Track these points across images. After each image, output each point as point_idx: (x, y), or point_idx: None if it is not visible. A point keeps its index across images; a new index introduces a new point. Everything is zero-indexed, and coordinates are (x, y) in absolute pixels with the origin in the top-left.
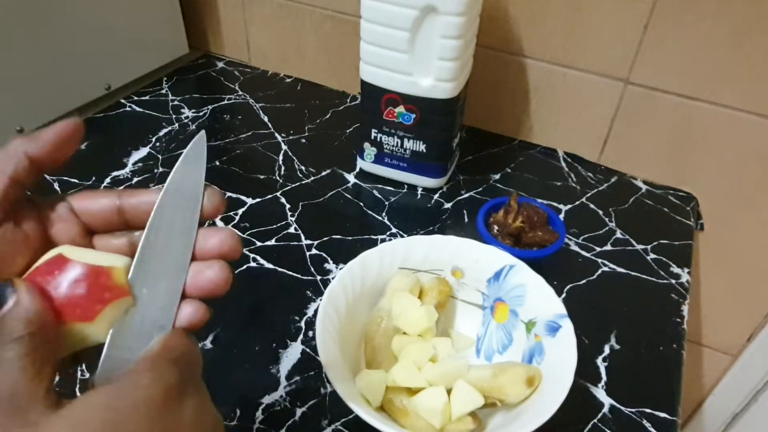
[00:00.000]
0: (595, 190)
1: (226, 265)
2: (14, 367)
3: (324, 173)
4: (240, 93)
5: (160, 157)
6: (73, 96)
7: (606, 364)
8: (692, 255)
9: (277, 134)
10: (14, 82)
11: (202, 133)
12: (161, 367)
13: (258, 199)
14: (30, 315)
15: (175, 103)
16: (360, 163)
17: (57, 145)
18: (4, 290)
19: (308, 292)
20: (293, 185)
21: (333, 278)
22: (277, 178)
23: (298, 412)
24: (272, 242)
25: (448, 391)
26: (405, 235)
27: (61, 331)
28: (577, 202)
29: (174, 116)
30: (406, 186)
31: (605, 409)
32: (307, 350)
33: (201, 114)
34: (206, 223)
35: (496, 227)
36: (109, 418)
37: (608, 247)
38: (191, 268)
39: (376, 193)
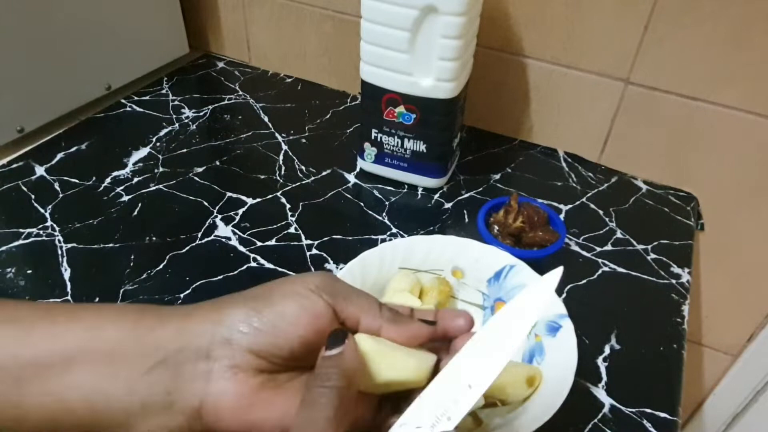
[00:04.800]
0: (596, 190)
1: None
2: (326, 409)
3: (324, 173)
4: (240, 93)
5: (160, 157)
6: (73, 96)
7: (606, 364)
8: (692, 255)
9: (277, 134)
10: (14, 82)
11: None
12: None
13: (258, 199)
14: (348, 369)
15: (176, 103)
16: (360, 163)
17: None
18: (343, 337)
19: None
20: (293, 185)
21: None
22: (278, 178)
23: None
24: (273, 242)
25: None
26: (405, 235)
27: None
28: (578, 202)
29: (174, 116)
30: (406, 186)
31: (605, 409)
32: None
33: (201, 114)
34: None
35: (496, 227)
36: None
37: (608, 247)
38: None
39: (376, 193)
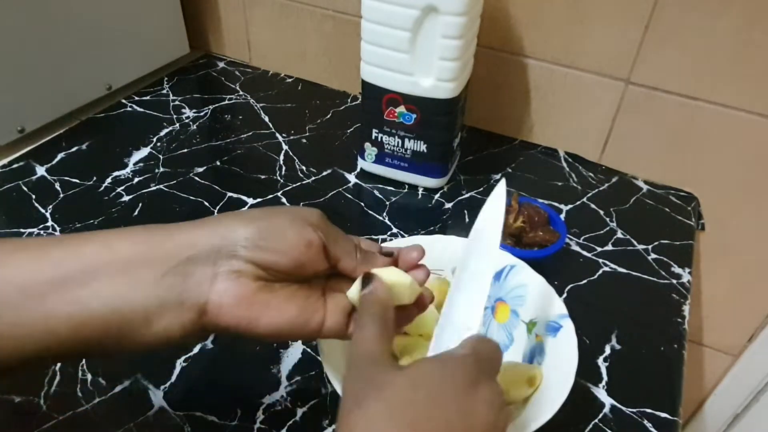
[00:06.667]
0: (596, 190)
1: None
2: (372, 329)
3: (325, 173)
4: (241, 93)
5: (161, 157)
6: (73, 96)
7: (607, 364)
8: (693, 255)
9: (277, 134)
10: (14, 82)
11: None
12: (467, 359)
13: (259, 199)
14: (382, 298)
15: (176, 103)
16: (361, 163)
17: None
18: (371, 279)
19: None
20: (294, 185)
21: None
22: (278, 178)
23: (299, 412)
24: None
25: None
26: (406, 236)
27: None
28: (578, 202)
29: (175, 116)
30: (406, 186)
31: (606, 410)
32: (308, 350)
33: (202, 114)
34: None
35: None
36: (434, 384)
37: (609, 247)
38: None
39: (376, 193)
